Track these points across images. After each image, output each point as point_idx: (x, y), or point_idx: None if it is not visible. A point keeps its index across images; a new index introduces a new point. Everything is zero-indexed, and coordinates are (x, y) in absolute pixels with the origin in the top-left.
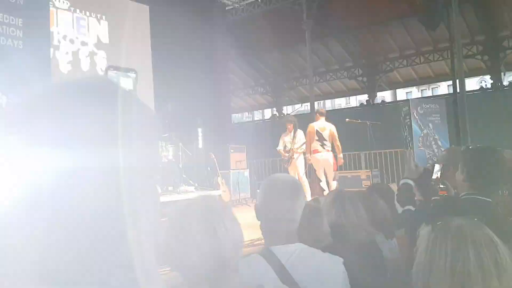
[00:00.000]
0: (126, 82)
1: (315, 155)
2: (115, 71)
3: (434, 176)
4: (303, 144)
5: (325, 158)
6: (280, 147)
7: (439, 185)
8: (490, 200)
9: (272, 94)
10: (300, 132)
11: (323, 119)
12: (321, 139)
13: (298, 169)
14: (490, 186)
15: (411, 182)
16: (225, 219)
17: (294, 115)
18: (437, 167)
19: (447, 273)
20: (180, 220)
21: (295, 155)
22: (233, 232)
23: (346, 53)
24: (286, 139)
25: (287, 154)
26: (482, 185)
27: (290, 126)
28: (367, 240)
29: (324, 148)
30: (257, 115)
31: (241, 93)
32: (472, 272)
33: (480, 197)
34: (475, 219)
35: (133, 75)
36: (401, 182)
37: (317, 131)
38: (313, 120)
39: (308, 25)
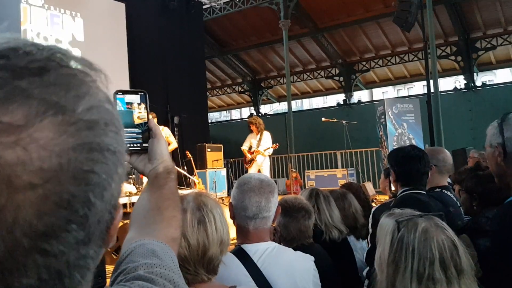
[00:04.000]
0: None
1: None
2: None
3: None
4: (268, 148)
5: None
6: (245, 147)
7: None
8: (424, 192)
9: (249, 93)
10: (266, 134)
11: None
12: None
13: (263, 172)
14: (416, 180)
15: None
16: (216, 216)
17: (271, 114)
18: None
19: (414, 276)
20: None
21: (258, 157)
22: (222, 230)
23: (323, 53)
24: (253, 140)
25: (249, 156)
26: (410, 181)
27: (253, 128)
28: (340, 239)
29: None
30: (235, 114)
31: (218, 91)
32: (437, 276)
33: (415, 192)
34: (437, 218)
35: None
36: None
37: None
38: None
39: (286, 24)
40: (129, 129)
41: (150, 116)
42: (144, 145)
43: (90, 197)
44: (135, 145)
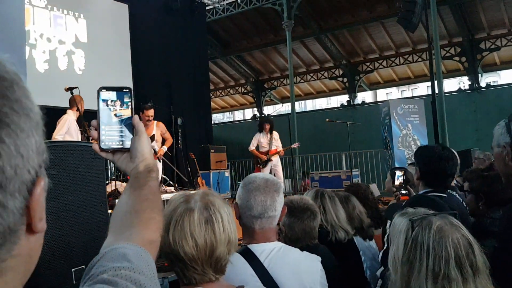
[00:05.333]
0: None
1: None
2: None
3: (396, 182)
4: (289, 147)
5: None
6: (253, 147)
7: (400, 191)
8: (445, 195)
9: (252, 94)
10: (276, 133)
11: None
12: None
13: (278, 172)
14: (440, 181)
15: None
16: (223, 216)
17: (275, 115)
18: (398, 172)
19: (429, 275)
20: (180, 210)
21: (274, 158)
22: (229, 230)
23: (326, 54)
24: (263, 140)
25: (264, 157)
26: (433, 181)
27: (267, 126)
28: (346, 240)
29: None
30: (238, 115)
31: (221, 93)
32: (453, 275)
33: (436, 194)
34: (452, 217)
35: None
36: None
37: None
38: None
39: (289, 25)
40: (107, 127)
41: (134, 114)
42: (126, 143)
43: None
44: (116, 143)
